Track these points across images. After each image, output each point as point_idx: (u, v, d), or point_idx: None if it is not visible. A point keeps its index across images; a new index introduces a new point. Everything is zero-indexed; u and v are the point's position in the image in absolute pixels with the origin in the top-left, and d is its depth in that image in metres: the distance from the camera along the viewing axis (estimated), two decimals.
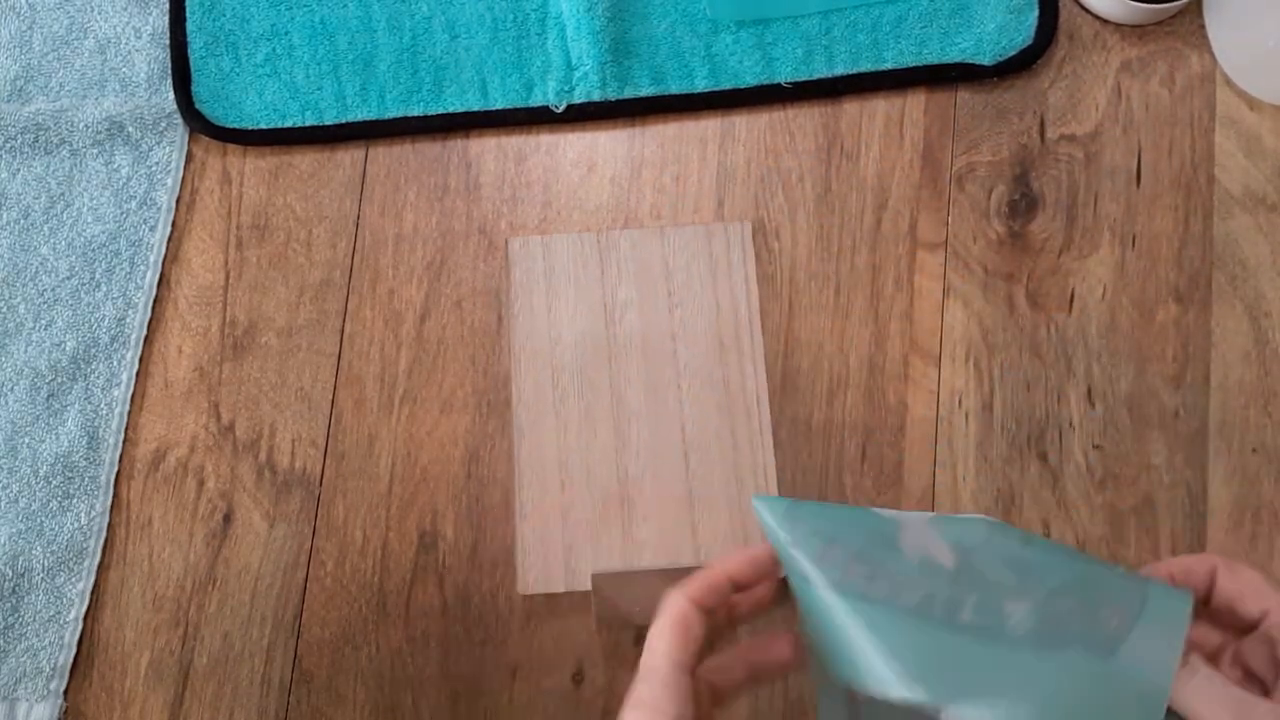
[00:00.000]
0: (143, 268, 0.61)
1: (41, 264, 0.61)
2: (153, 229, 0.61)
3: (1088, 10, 0.62)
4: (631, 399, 0.58)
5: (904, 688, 0.30)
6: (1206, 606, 0.34)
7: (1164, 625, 0.31)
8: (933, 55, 0.61)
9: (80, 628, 0.56)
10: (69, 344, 0.60)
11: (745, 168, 0.61)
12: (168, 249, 0.61)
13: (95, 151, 0.63)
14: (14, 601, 0.56)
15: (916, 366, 0.58)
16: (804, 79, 0.61)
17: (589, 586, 0.54)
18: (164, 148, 0.62)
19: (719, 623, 0.34)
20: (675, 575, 0.34)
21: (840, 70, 0.61)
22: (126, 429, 0.59)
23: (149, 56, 0.64)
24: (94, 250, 0.61)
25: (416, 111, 0.62)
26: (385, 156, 0.62)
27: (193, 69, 0.63)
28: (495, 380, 0.58)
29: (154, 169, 0.62)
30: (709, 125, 0.62)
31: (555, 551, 0.56)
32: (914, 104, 0.61)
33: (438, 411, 0.58)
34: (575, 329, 0.59)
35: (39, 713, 0.55)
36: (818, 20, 0.61)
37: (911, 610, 0.31)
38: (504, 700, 0.55)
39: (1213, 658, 0.34)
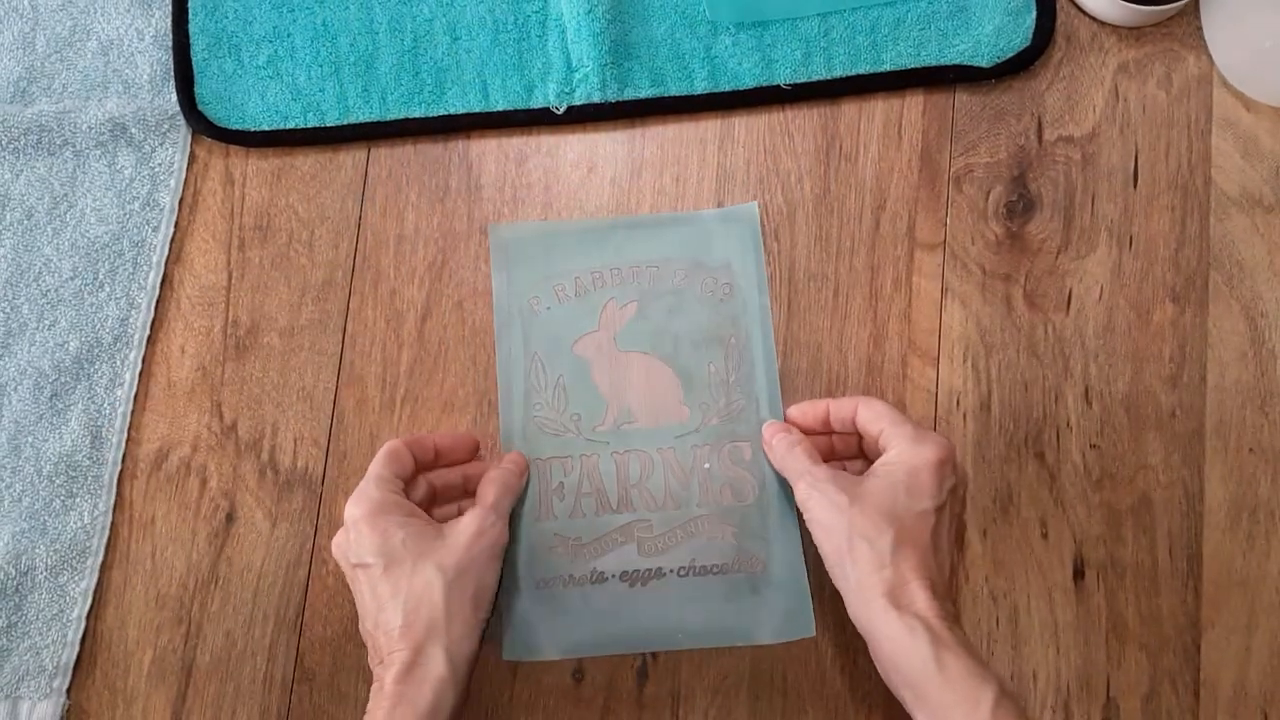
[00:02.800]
0: (145, 268, 0.61)
1: (45, 264, 0.62)
2: (155, 230, 0.62)
3: (1085, 12, 0.62)
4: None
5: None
6: (855, 430, 0.52)
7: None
8: (931, 57, 0.61)
9: (83, 626, 0.57)
10: (72, 344, 0.60)
11: (744, 169, 0.61)
12: (170, 249, 0.62)
13: (98, 153, 0.63)
14: (17, 600, 0.57)
15: (915, 366, 0.58)
16: (803, 81, 0.61)
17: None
18: (167, 149, 0.63)
19: (426, 464, 0.54)
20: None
21: (839, 72, 0.61)
22: (129, 428, 0.59)
23: (152, 58, 0.64)
24: (97, 251, 0.61)
25: (418, 113, 0.62)
26: (387, 158, 0.63)
27: (195, 71, 0.63)
28: (495, 381, 0.59)
29: (157, 170, 0.62)
30: (708, 127, 0.62)
31: None
32: (912, 106, 0.62)
33: (439, 411, 0.59)
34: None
35: (42, 711, 0.55)
36: (816, 22, 0.62)
37: None
38: (504, 698, 0.55)
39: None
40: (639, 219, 0.60)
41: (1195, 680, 0.55)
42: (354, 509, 0.49)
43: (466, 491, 0.55)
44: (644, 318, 0.58)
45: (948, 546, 0.49)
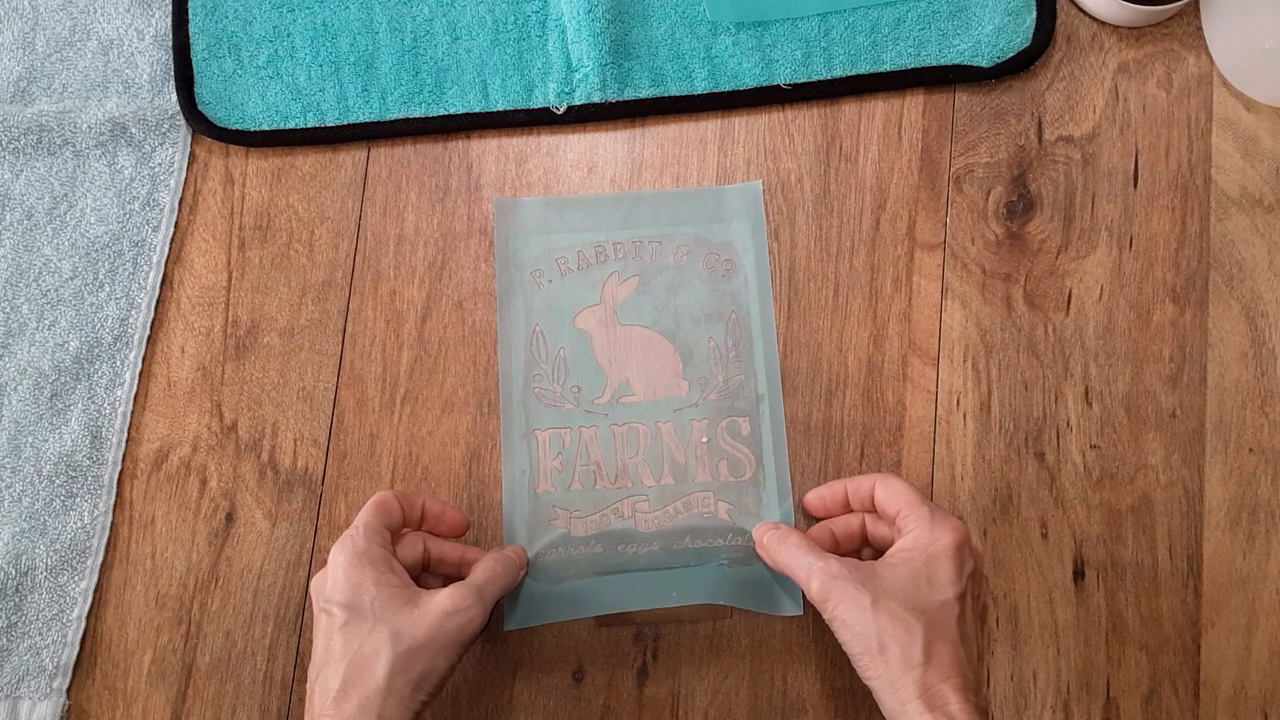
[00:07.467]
0: (145, 268, 0.61)
1: (45, 264, 0.62)
2: (155, 230, 0.62)
3: (1085, 12, 0.62)
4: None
5: None
6: (873, 509, 0.53)
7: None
8: (931, 57, 0.61)
9: (83, 626, 0.57)
10: (72, 344, 0.60)
11: (744, 169, 0.61)
12: (170, 249, 0.62)
13: (98, 153, 0.63)
14: (17, 600, 0.57)
15: (915, 366, 0.58)
16: (803, 80, 0.61)
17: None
18: (167, 149, 0.63)
19: (412, 521, 0.52)
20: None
21: (839, 72, 0.61)
22: (129, 428, 0.59)
23: (152, 58, 0.65)
24: (97, 251, 0.61)
25: (418, 113, 0.62)
26: (387, 158, 0.63)
27: (195, 71, 0.63)
28: (495, 380, 0.59)
29: (157, 170, 0.62)
30: (708, 127, 0.62)
31: None
32: (912, 105, 0.62)
33: (439, 411, 0.59)
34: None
35: (41, 711, 0.55)
36: (816, 22, 0.62)
37: None
38: (505, 698, 0.55)
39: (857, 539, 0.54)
40: (641, 193, 0.61)
41: (1195, 680, 0.55)
42: (337, 553, 0.48)
43: (460, 573, 0.52)
44: (645, 292, 0.59)
45: (974, 633, 0.48)
